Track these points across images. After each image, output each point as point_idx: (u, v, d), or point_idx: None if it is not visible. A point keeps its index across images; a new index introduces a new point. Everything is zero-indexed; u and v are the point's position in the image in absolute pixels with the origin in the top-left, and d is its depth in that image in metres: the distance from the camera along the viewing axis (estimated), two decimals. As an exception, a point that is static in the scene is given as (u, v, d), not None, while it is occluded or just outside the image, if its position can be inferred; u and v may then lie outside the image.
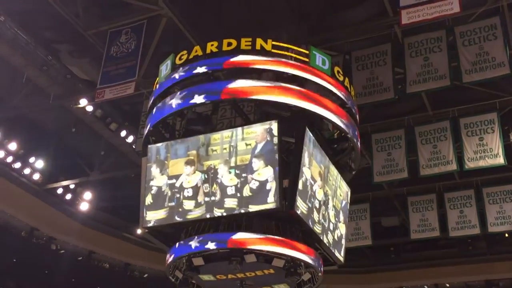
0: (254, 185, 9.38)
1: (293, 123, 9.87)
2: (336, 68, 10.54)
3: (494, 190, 17.43)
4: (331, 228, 10.38)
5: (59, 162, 20.06)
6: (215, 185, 9.65)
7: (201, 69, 9.89)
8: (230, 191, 9.52)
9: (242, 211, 9.43)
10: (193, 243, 9.67)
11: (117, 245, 23.12)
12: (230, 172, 9.63)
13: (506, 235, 21.54)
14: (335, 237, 10.61)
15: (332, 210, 10.52)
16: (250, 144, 9.64)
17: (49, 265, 21.07)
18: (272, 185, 9.25)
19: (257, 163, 9.45)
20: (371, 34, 13.80)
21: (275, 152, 9.40)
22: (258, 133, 9.63)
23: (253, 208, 9.33)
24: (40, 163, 19.80)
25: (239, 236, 9.54)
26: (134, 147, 17.20)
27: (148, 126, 10.75)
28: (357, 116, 11.17)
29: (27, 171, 19.51)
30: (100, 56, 13.73)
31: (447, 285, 24.94)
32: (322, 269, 10.60)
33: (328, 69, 10.20)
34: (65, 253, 21.92)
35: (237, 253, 9.59)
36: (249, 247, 9.50)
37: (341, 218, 10.94)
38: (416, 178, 15.79)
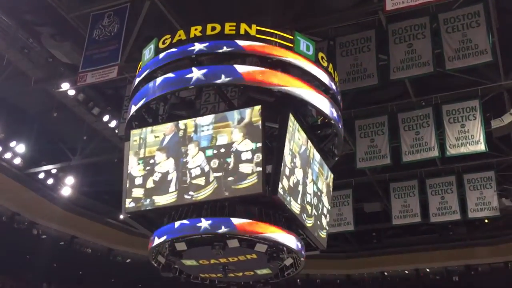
0: (156, 177, 9.99)
1: (277, 108, 9.87)
2: (320, 54, 10.56)
3: (474, 176, 17.62)
4: (287, 173, 9.89)
5: (41, 146, 19.86)
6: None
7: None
8: (138, 181, 10.15)
9: (148, 201, 9.98)
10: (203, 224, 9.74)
11: (100, 230, 23.06)
12: (139, 164, 10.24)
13: (486, 221, 21.80)
14: (291, 183, 10.04)
15: (289, 154, 10.10)
16: (158, 137, 10.23)
17: (30, 250, 20.95)
18: (173, 176, 9.81)
19: (160, 156, 10.08)
20: (355, 20, 13.79)
21: (181, 144, 9.97)
22: (167, 126, 10.22)
23: (157, 199, 9.90)
24: (21, 148, 19.58)
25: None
26: (117, 131, 17.09)
27: (132, 110, 10.69)
28: (341, 102, 11.20)
29: (8, 155, 19.28)
30: (83, 40, 13.55)
31: (428, 270, 25.28)
32: (304, 254, 10.68)
33: (312, 55, 10.22)
34: (47, 238, 21.81)
35: (220, 238, 9.63)
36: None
37: (298, 163, 10.36)
38: (398, 164, 15.90)
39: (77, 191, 21.17)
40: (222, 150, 9.66)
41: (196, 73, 9.77)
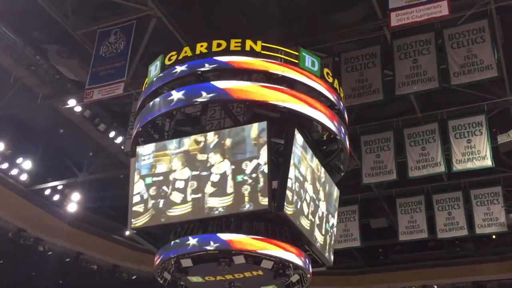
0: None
1: (283, 124, 9.87)
2: (326, 70, 10.55)
3: (481, 192, 17.54)
4: None
5: (47, 162, 19.92)
6: None
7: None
8: None
9: None
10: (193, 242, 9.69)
11: (105, 246, 23.00)
12: None
13: (494, 236, 21.69)
14: None
15: None
16: None
17: (36, 266, 20.90)
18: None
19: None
20: (360, 36, 13.84)
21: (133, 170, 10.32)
22: None
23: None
24: (28, 164, 19.66)
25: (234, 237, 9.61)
26: (123, 148, 17.13)
27: (138, 126, 10.71)
28: (346, 117, 11.19)
29: (14, 171, 19.36)
30: (89, 56, 13.66)
31: (435, 286, 25.02)
32: (310, 270, 10.61)
33: (317, 71, 10.22)
34: (53, 255, 21.76)
35: (226, 254, 9.58)
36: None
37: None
38: (404, 179, 15.85)
39: (83, 207, 21.19)
40: (160, 178, 9.96)
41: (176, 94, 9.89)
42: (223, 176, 9.54)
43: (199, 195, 9.56)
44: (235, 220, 9.73)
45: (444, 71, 13.20)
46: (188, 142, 9.99)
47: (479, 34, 12.93)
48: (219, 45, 9.91)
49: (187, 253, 9.72)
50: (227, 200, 9.46)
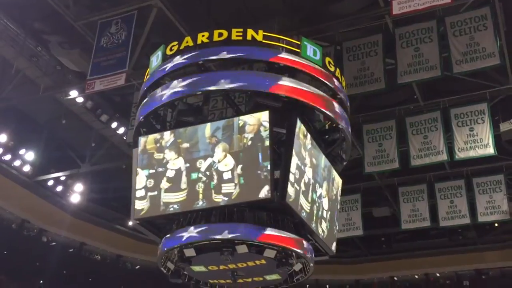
0: None
1: (285, 114, 9.87)
2: (328, 59, 10.54)
3: (484, 180, 17.49)
4: None
5: (50, 154, 19.96)
6: None
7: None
8: None
9: None
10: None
11: (109, 236, 23.10)
12: None
13: (496, 224, 21.71)
14: None
15: None
16: None
17: (40, 257, 21.03)
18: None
19: None
20: (362, 25, 13.81)
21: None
22: None
23: None
24: (30, 155, 19.69)
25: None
26: (125, 138, 17.15)
27: (141, 116, 10.70)
28: (348, 106, 11.18)
29: (17, 163, 19.38)
30: (91, 47, 13.64)
31: (438, 274, 25.12)
32: (313, 259, 10.65)
33: (319, 60, 10.20)
34: (56, 245, 21.88)
35: (229, 244, 9.61)
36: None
37: None
38: (407, 168, 15.85)
39: (86, 198, 21.24)
40: None
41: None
42: (178, 172, 9.81)
43: (155, 192, 9.89)
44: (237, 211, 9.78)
45: (446, 59, 13.15)
46: (144, 142, 10.30)
47: (481, 22, 12.87)
48: (220, 34, 9.90)
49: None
50: (180, 196, 9.71)
